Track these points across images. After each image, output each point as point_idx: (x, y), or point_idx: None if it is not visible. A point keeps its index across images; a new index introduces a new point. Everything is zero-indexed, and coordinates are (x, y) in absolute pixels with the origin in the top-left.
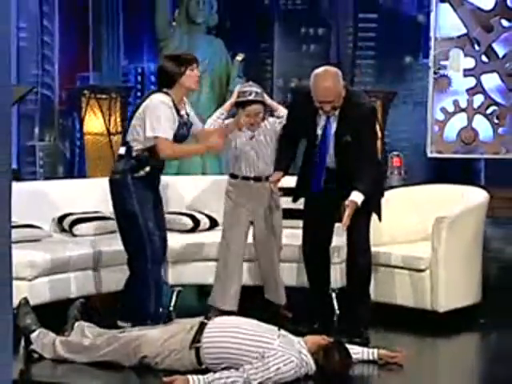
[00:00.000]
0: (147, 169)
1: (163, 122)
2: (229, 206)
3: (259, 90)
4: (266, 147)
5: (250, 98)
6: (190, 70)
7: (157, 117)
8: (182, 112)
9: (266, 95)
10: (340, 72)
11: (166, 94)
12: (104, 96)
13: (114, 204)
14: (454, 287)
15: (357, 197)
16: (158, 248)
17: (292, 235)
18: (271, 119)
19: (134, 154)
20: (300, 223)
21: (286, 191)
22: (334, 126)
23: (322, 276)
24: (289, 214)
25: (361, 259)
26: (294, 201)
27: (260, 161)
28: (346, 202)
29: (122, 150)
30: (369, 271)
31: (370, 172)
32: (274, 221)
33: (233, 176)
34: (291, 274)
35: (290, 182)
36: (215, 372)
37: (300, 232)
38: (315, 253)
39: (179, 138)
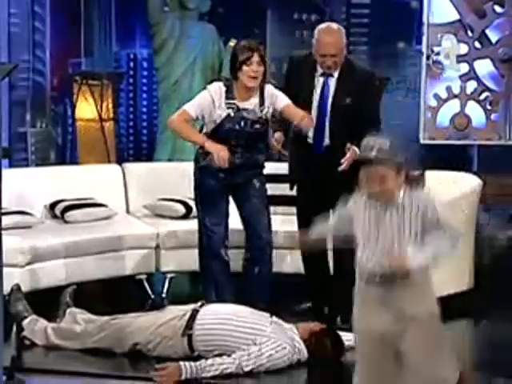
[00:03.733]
0: (208, 158)
1: (194, 100)
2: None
3: (386, 145)
4: (407, 234)
5: (370, 155)
6: (246, 66)
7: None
8: (243, 105)
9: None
10: (343, 29)
11: (226, 83)
12: (96, 82)
13: None
14: (446, 273)
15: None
16: (213, 243)
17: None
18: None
19: None
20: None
21: (272, 178)
22: (332, 88)
23: (321, 263)
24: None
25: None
26: (291, 188)
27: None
28: (348, 146)
29: None
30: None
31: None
32: None
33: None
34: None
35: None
36: (207, 359)
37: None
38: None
39: (226, 130)
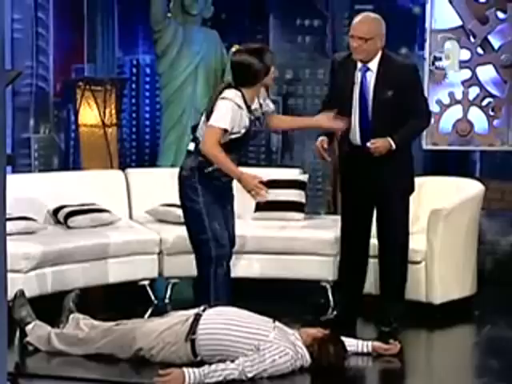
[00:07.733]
0: (216, 165)
1: (221, 113)
2: None
3: None
4: None
5: None
6: (273, 68)
7: (220, 108)
8: (254, 106)
9: None
10: (383, 22)
11: (238, 90)
12: (99, 88)
13: (181, 201)
14: (450, 279)
15: (389, 141)
16: (224, 251)
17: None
18: None
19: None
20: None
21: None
22: (371, 82)
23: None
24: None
25: (392, 257)
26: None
27: None
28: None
29: (191, 146)
30: (404, 269)
31: (414, 129)
32: None
33: None
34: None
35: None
36: (211, 364)
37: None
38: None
39: (252, 134)
